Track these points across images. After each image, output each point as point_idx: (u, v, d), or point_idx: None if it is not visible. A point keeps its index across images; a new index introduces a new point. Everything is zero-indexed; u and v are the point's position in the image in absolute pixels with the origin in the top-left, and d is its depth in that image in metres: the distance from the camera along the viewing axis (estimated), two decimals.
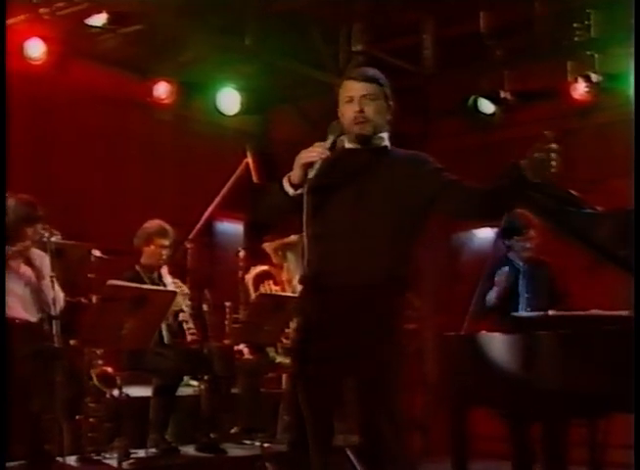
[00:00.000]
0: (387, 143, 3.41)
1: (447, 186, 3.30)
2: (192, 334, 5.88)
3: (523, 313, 5.10)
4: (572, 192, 4.63)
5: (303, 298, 3.35)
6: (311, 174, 3.17)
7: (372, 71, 3.41)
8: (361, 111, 3.31)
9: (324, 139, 3.29)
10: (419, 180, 3.29)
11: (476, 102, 8.15)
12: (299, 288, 3.42)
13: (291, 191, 3.23)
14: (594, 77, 7.66)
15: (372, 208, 3.26)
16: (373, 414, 3.20)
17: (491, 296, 5.43)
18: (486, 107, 8.20)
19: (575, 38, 7.51)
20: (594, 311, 4.66)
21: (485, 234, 7.67)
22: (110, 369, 5.51)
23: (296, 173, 3.22)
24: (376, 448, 3.19)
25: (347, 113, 3.34)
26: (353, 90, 3.34)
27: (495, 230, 5.56)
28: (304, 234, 3.21)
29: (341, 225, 3.25)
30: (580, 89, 7.74)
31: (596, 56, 7.69)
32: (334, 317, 3.21)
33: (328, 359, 3.20)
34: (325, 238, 3.24)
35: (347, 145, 3.36)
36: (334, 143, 3.25)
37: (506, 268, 5.45)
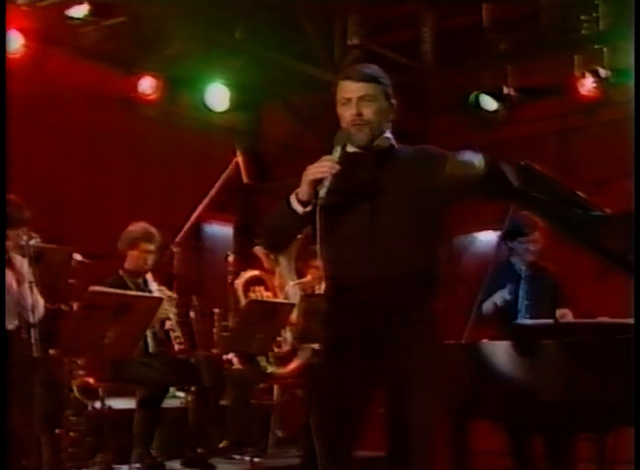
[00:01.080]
0: (392, 142, 3.37)
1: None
2: (179, 343, 5.87)
3: (526, 321, 5.11)
4: (579, 193, 4.63)
5: (330, 311, 3.32)
6: (322, 192, 3.12)
7: (370, 70, 3.35)
8: (359, 114, 3.26)
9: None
10: (429, 172, 3.25)
11: (477, 98, 8.16)
12: (322, 302, 3.38)
13: (300, 209, 3.18)
14: (602, 72, 7.68)
15: (389, 211, 3.22)
16: (405, 426, 3.17)
17: (488, 306, 5.44)
18: (489, 103, 8.22)
19: (583, 31, 7.53)
20: (601, 319, 4.66)
21: (488, 237, 7.67)
22: (91, 380, 5.50)
23: (304, 191, 3.16)
24: (403, 461, 3.18)
25: (345, 115, 3.29)
26: (350, 91, 3.28)
27: (498, 233, 5.56)
28: (318, 250, 3.20)
29: (360, 235, 3.21)
30: (588, 85, 7.76)
31: (605, 50, 7.71)
32: (364, 328, 3.18)
33: (359, 369, 3.19)
34: (344, 251, 3.22)
35: (350, 149, 3.32)
36: (342, 155, 3.19)
37: (506, 293, 5.45)
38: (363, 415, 3.26)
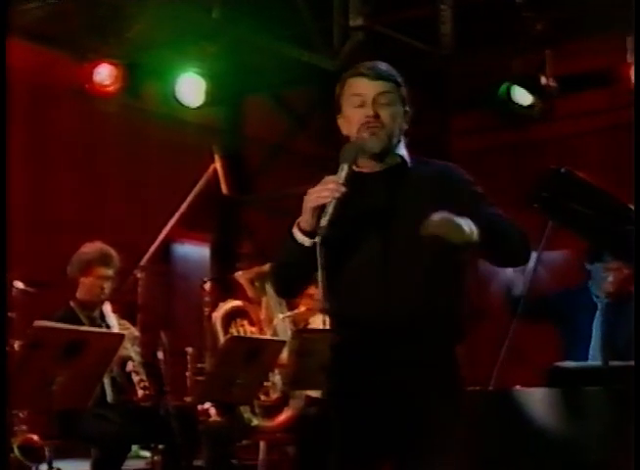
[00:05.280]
0: (406, 158, 3.40)
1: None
2: (144, 388, 5.88)
3: (568, 364, 5.13)
4: (631, 206, 4.67)
5: (335, 358, 3.35)
6: (324, 221, 3.13)
7: (386, 67, 3.40)
8: (376, 116, 3.30)
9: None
10: (446, 201, 3.27)
11: (508, 91, 8.21)
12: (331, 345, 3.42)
13: (306, 241, 3.21)
14: None
15: (404, 243, 3.26)
16: None
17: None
18: (522, 97, 8.26)
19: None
20: None
21: None
22: (35, 437, 5.51)
23: (306, 220, 3.20)
24: None
25: (356, 117, 3.33)
26: (365, 89, 3.33)
27: (535, 254, 5.60)
28: (321, 289, 3.23)
29: (372, 271, 3.26)
30: None
31: None
32: (374, 381, 3.26)
33: (367, 432, 3.25)
34: (353, 290, 3.28)
35: (355, 168, 3.33)
36: (349, 174, 3.20)
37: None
38: None
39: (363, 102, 3.32)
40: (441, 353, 3.29)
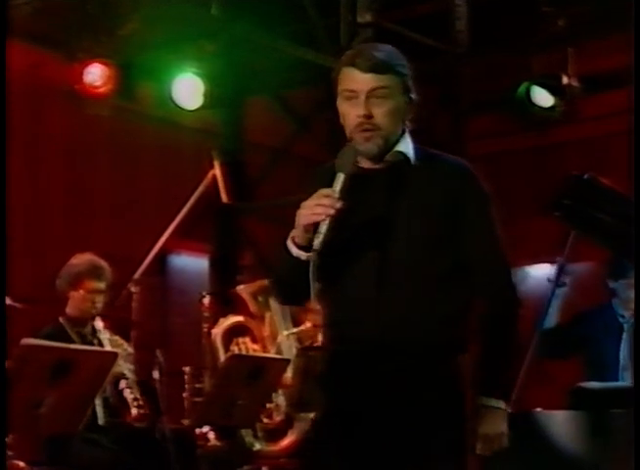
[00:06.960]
0: (410, 155, 3.31)
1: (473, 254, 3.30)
2: (138, 406, 5.87)
3: (592, 384, 5.12)
4: None
5: (329, 376, 3.38)
6: (317, 243, 3.09)
7: (384, 53, 3.27)
8: (368, 115, 3.21)
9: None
10: (451, 215, 3.27)
11: (528, 91, 8.20)
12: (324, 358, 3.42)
13: (302, 255, 3.16)
14: None
15: (402, 253, 3.23)
16: None
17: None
18: (543, 98, 8.25)
19: None
20: None
21: (543, 272, 7.68)
22: (22, 463, 5.50)
23: (299, 235, 3.17)
24: None
25: (349, 115, 3.25)
26: (356, 83, 3.23)
27: (555, 266, 5.59)
28: (321, 302, 3.27)
29: (365, 281, 3.24)
30: None
31: None
32: (370, 400, 3.24)
33: (363, 456, 3.24)
34: (347, 302, 3.27)
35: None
36: (345, 186, 3.14)
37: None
38: None
39: (354, 96, 3.23)
40: (439, 368, 3.26)
